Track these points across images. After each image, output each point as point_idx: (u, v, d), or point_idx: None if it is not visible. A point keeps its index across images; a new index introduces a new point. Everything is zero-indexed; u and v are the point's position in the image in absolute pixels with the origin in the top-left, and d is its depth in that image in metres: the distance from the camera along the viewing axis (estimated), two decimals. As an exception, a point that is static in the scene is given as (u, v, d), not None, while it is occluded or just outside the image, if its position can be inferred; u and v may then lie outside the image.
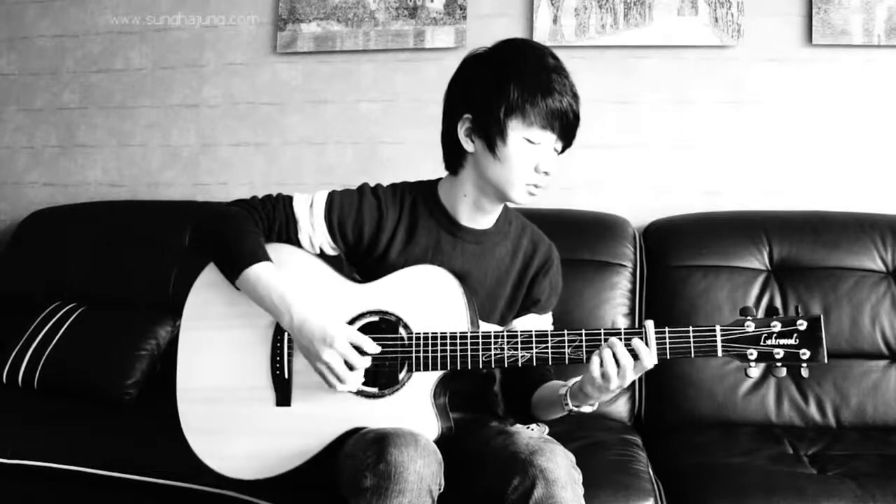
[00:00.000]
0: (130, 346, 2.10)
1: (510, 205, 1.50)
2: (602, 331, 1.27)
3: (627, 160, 2.38)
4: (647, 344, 1.25)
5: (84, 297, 2.27)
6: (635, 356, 1.25)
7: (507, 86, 1.33)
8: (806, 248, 2.05)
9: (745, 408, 1.95)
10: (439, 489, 1.22)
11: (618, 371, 1.25)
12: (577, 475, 1.24)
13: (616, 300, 2.07)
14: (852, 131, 2.28)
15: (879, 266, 2.03)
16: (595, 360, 1.26)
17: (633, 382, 2.02)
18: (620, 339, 1.25)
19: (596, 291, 2.07)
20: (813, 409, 1.94)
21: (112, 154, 2.72)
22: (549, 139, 1.36)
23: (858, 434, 1.86)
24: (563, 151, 1.42)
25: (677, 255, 2.10)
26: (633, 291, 2.11)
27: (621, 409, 2.02)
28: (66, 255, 2.40)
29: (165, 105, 2.67)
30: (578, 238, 2.13)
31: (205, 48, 2.64)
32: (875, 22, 2.23)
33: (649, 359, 1.24)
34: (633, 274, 2.12)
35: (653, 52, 2.36)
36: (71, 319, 2.17)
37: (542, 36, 2.37)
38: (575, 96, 1.37)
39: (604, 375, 1.25)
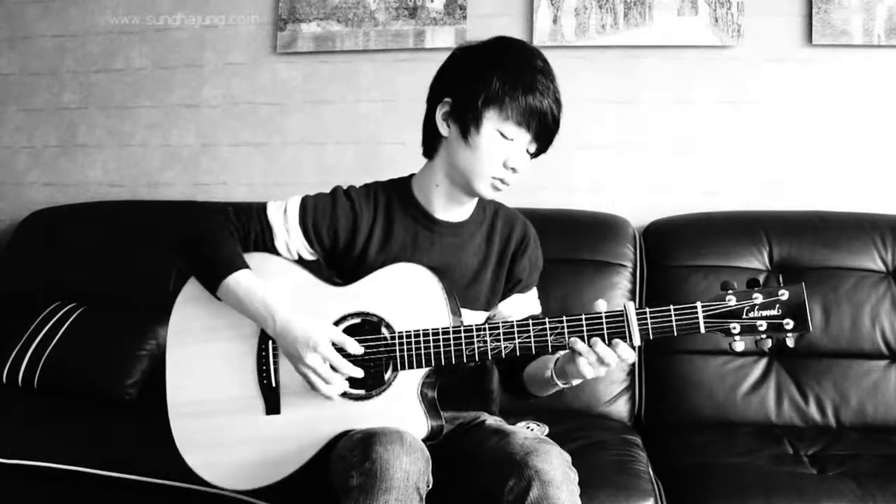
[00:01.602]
0: (130, 346, 2.10)
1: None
2: (583, 316, 1.26)
3: (627, 160, 2.38)
4: (628, 325, 1.23)
5: (84, 297, 2.27)
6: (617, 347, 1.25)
7: (491, 76, 1.33)
8: (806, 248, 2.05)
9: (745, 408, 1.95)
10: (427, 486, 1.22)
11: (603, 366, 1.25)
12: (573, 475, 1.24)
13: (616, 300, 2.07)
14: (852, 131, 2.28)
15: (879, 266, 2.03)
16: (584, 366, 1.25)
17: (634, 383, 2.05)
18: (603, 336, 1.24)
19: (596, 291, 2.06)
20: (813, 409, 1.94)
21: (112, 154, 2.72)
22: (524, 137, 1.36)
23: (858, 434, 1.86)
24: (536, 155, 1.41)
25: (677, 255, 2.10)
26: (633, 291, 2.11)
27: (621, 409, 2.03)
28: (66, 255, 2.40)
29: (165, 105, 2.67)
30: (578, 238, 2.13)
31: (205, 48, 2.64)
32: (875, 22, 2.23)
33: (631, 356, 1.25)
34: (633, 274, 2.12)
35: (653, 52, 2.36)
36: (71, 319, 2.17)
37: (541, 36, 2.37)
38: (557, 102, 1.36)
39: (594, 371, 1.26)
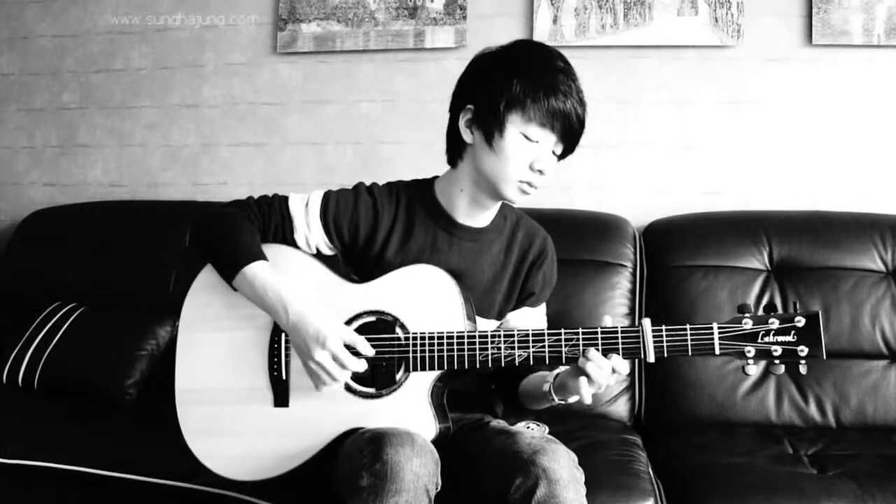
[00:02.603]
0: (130, 346, 2.10)
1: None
2: (599, 329, 1.27)
3: (627, 160, 2.38)
4: (643, 341, 1.24)
5: (84, 297, 2.27)
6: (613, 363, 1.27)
7: (511, 80, 1.32)
8: (806, 248, 2.05)
9: (745, 408, 1.95)
10: (436, 488, 1.22)
11: (602, 382, 1.27)
12: (580, 475, 1.25)
13: (616, 300, 2.07)
14: (852, 131, 2.28)
15: (879, 266, 2.03)
16: (584, 383, 1.26)
17: (634, 383, 2.05)
18: (598, 349, 1.25)
19: (596, 291, 2.07)
20: (813, 409, 1.94)
21: (112, 154, 2.72)
22: (549, 139, 1.35)
23: (858, 434, 1.86)
24: (562, 157, 1.41)
25: (677, 255, 2.10)
26: (633, 291, 2.11)
27: (621, 409, 2.03)
28: (66, 255, 2.40)
29: (165, 105, 2.67)
30: (578, 238, 2.13)
31: (205, 48, 2.64)
32: (875, 22, 2.23)
33: (625, 369, 1.26)
34: (633, 274, 2.12)
35: (653, 52, 2.36)
36: (71, 319, 2.17)
37: (541, 36, 2.37)
38: (581, 102, 1.35)
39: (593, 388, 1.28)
